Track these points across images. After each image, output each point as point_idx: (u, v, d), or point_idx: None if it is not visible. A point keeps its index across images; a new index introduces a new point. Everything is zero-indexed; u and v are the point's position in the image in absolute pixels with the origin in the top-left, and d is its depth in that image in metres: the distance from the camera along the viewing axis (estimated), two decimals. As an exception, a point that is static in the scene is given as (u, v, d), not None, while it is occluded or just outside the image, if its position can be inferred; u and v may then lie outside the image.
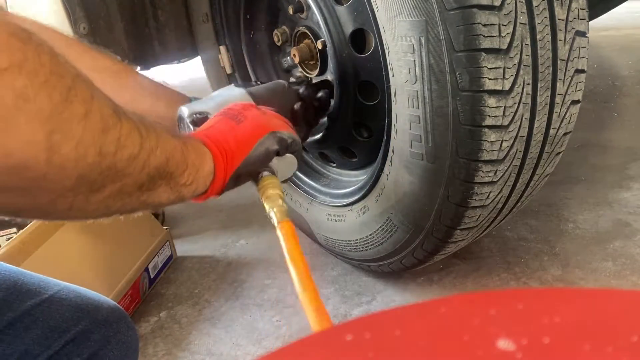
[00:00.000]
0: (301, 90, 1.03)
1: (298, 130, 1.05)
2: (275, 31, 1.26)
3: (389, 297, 1.27)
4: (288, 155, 0.76)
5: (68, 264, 1.18)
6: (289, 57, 1.30)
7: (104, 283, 1.21)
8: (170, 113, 0.93)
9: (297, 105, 1.00)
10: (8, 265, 0.67)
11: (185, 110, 0.87)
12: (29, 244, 1.12)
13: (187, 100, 1.00)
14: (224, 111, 0.74)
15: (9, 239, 1.26)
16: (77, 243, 1.23)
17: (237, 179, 0.68)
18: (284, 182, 0.77)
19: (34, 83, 0.36)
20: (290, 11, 1.18)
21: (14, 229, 1.37)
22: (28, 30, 0.38)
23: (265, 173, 0.72)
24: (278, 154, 0.74)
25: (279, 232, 0.62)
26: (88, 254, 1.25)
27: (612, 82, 2.60)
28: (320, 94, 1.09)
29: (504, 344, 0.22)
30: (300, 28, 1.17)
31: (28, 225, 1.15)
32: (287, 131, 0.75)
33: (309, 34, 1.15)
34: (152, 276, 1.39)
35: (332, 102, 1.14)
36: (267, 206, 0.68)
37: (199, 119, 0.83)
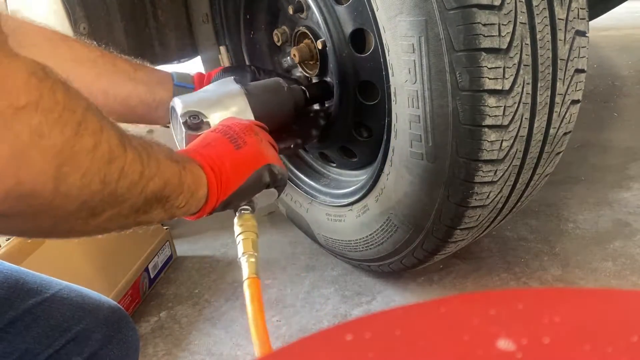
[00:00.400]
0: (298, 96, 1.01)
1: (292, 140, 1.04)
2: (275, 31, 1.26)
3: (389, 297, 1.27)
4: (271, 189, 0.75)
5: (68, 264, 1.18)
6: (289, 57, 1.30)
7: (104, 283, 1.21)
8: (151, 96, 0.93)
9: (295, 121, 0.99)
10: (9, 264, 0.67)
11: (179, 107, 0.84)
12: (29, 244, 1.12)
13: (169, 79, 0.97)
14: (223, 129, 0.72)
15: (9, 239, 1.26)
16: (77, 243, 1.23)
17: (226, 205, 0.68)
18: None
19: (48, 120, 0.38)
20: (290, 11, 1.18)
21: (14, 229, 1.37)
22: (45, 67, 0.40)
23: (245, 209, 0.71)
24: (267, 187, 0.73)
25: (245, 288, 0.62)
26: (88, 254, 1.25)
27: (612, 82, 2.60)
28: (318, 107, 1.05)
29: (504, 344, 0.22)
30: (300, 28, 1.17)
31: (28, 225, 1.15)
32: (279, 165, 0.75)
33: (309, 34, 1.15)
34: (152, 276, 1.39)
35: (328, 114, 1.12)
36: (240, 252, 0.66)
37: (193, 124, 0.83)
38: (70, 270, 1.16)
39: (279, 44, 1.29)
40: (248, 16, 1.38)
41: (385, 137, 1.02)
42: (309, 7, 1.12)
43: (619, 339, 0.21)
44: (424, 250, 1.08)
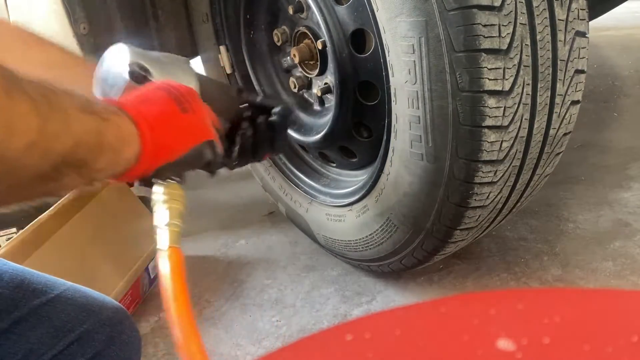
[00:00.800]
0: (246, 111, 0.83)
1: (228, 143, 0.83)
2: (275, 31, 1.26)
3: (389, 297, 1.27)
4: (201, 170, 0.65)
5: (68, 264, 1.18)
6: (288, 57, 1.30)
7: (104, 283, 1.21)
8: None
9: (242, 127, 0.80)
10: (14, 264, 0.67)
11: (126, 52, 0.73)
12: (29, 244, 1.12)
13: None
14: (167, 87, 0.61)
15: (9, 239, 1.26)
16: (77, 243, 1.23)
17: (156, 174, 0.57)
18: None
19: None
20: (290, 11, 1.18)
21: (14, 229, 1.37)
22: None
23: (175, 179, 0.60)
24: (205, 166, 0.64)
25: (164, 258, 0.53)
26: (88, 254, 1.25)
27: (612, 82, 2.60)
28: (267, 122, 0.83)
29: (504, 344, 0.22)
30: (300, 28, 1.17)
31: (28, 226, 1.15)
32: (220, 145, 0.65)
33: (309, 34, 1.15)
34: (152, 276, 1.39)
35: (281, 137, 0.86)
36: (160, 218, 0.58)
37: (139, 76, 0.70)
38: (70, 270, 1.16)
39: (279, 44, 1.29)
40: (248, 16, 1.38)
41: (385, 137, 1.02)
42: (309, 7, 1.12)
43: (619, 339, 0.21)
44: (423, 251, 1.08)
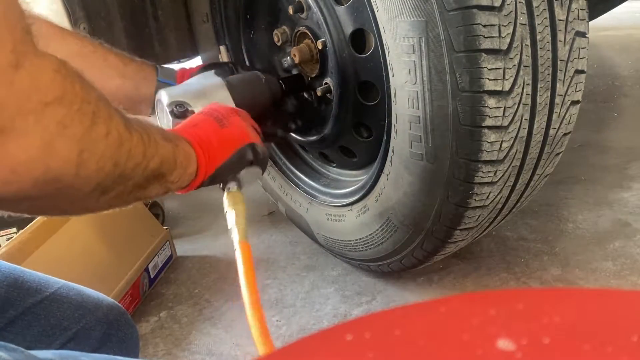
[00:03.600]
0: (275, 87, 1.06)
1: (273, 126, 1.10)
2: (275, 31, 1.26)
3: (389, 297, 1.27)
4: (255, 166, 0.80)
5: (68, 264, 1.18)
6: (289, 57, 1.30)
7: (104, 283, 1.21)
8: (136, 92, 0.99)
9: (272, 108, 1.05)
10: (8, 263, 0.67)
11: (165, 98, 0.89)
12: (29, 244, 1.12)
13: (154, 75, 1.03)
14: (209, 111, 0.77)
15: (9, 239, 1.26)
16: (77, 243, 1.23)
17: (212, 180, 0.72)
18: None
19: (70, 112, 0.43)
20: (291, 11, 1.18)
21: (14, 229, 1.37)
22: (66, 63, 0.44)
23: (234, 184, 0.76)
24: (250, 164, 0.78)
25: (237, 252, 0.67)
26: (88, 254, 1.25)
27: (612, 82, 2.60)
28: (293, 100, 1.13)
29: (504, 344, 0.22)
30: (301, 28, 1.17)
31: (28, 226, 1.15)
32: (261, 145, 0.80)
33: (309, 34, 1.15)
34: (152, 276, 1.39)
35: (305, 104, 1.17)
36: (230, 220, 0.72)
37: (179, 112, 0.88)
38: (70, 270, 1.16)
39: (279, 44, 1.29)
40: (248, 16, 1.38)
41: (385, 137, 1.02)
42: (309, 7, 1.12)
43: (619, 339, 0.21)
44: (423, 251, 1.08)
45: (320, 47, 1.12)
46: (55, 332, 0.64)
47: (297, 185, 1.37)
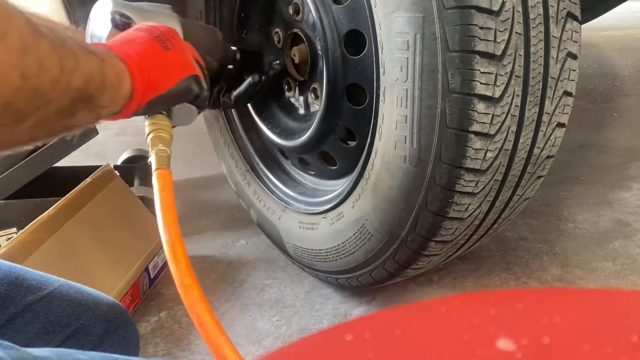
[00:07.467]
0: (229, 51, 0.98)
1: (217, 86, 1.01)
2: (271, 32, 1.26)
3: (389, 297, 1.27)
4: (191, 104, 0.72)
5: (68, 264, 1.18)
6: (284, 57, 1.29)
7: (104, 283, 1.21)
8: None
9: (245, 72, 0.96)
10: (7, 262, 0.68)
11: (109, 4, 0.77)
12: (29, 244, 1.12)
13: None
14: (149, 28, 0.66)
15: (9, 239, 1.26)
16: (77, 243, 1.23)
17: (150, 107, 0.63)
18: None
19: None
20: (286, 12, 1.18)
21: (14, 229, 1.37)
22: None
23: (161, 112, 0.67)
24: (193, 100, 0.70)
25: (154, 179, 0.59)
26: (88, 253, 1.25)
27: (612, 82, 2.60)
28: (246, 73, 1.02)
29: (504, 344, 0.22)
30: (295, 30, 1.17)
31: (28, 226, 1.15)
32: (205, 81, 0.71)
33: (302, 36, 1.14)
34: (152, 276, 1.39)
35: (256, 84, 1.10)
36: (151, 147, 0.64)
37: (121, 22, 0.74)
38: (70, 270, 1.16)
39: (278, 44, 1.29)
40: (243, 15, 1.37)
41: (369, 139, 1.00)
42: (305, 8, 1.12)
43: (619, 339, 0.21)
44: (395, 262, 1.05)
45: (313, 49, 1.11)
46: (55, 329, 0.64)
47: (272, 192, 1.35)
